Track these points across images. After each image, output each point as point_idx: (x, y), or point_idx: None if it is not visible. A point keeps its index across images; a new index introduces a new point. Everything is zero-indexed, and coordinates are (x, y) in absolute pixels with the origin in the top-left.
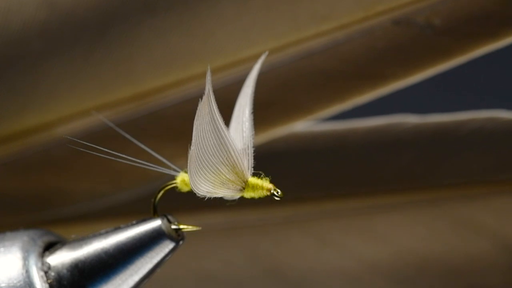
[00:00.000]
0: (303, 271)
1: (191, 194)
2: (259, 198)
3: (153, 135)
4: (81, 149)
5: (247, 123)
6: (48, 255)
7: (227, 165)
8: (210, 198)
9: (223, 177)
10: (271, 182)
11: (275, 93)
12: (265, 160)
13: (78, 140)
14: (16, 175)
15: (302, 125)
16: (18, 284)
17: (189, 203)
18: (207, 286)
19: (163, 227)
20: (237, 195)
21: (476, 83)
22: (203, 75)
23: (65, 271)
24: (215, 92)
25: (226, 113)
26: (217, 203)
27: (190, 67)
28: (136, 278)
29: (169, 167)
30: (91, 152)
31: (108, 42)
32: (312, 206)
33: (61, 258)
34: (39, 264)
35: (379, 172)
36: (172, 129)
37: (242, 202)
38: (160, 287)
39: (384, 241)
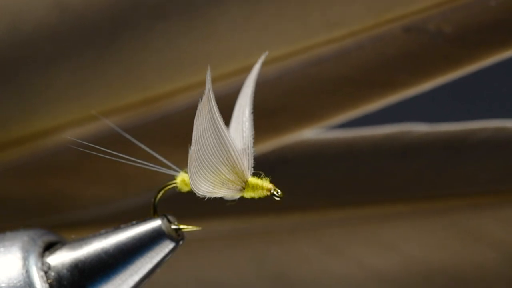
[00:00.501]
0: (309, 279)
1: (197, 201)
2: (267, 205)
3: (162, 140)
4: (85, 150)
5: (247, 123)
6: (48, 255)
7: (227, 165)
8: (216, 204)
9: (223, 177)
10: (271, 182)
11: (285, 99)
12: (273, 167)
13: (81, 141)
14: (24, 180)
15: (311, 133)
16: (18, 284)
17: (197, 210)
18: None
19: (163, 227)
20: (237, 195)
21: (486, 92)
22: (214, 80)
23: (65, 271)
24: (226, 97)
25: (226, 113)
26: (224, 211)
27: (200, 72)
28: (136, 278)
29: (169, 167)
30: (94, 153)
31: (118, 47)
32: (319, 214)
33: (61, 258)
34: (39, 264)
35: (387, 180)
36: (182, 134)
37: (249, 210)
38: None
39: (390, 250)
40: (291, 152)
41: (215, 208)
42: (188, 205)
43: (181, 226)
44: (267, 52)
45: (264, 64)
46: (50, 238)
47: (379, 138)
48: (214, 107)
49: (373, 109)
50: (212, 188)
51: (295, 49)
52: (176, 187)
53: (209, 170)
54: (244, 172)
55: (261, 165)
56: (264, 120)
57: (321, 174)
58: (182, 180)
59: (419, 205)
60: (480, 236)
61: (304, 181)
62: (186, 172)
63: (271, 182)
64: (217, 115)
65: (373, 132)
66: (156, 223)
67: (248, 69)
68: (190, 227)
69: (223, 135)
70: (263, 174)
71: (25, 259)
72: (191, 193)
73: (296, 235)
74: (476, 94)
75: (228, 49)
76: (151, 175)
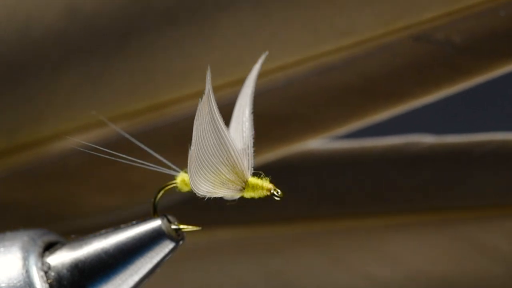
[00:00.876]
0: None
1: (202, 210)
2: (272, 215)
3: (170, 146)
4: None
5: (247, 123)
6: (48, 255)
7: (227, 165)
8: (221, 213)
9: (223, 177)
10: (271, 182)
11: (292, 108)
12: (279, 175)
13: (82, 142)
14: (30, 186)
15: (318, 142)
16: (18, 284)
17: (202, 219)
18: None
19: (163, 227)
20: (237, 195)
21: (494, 103)
22: (223, 87)
23: (65, 271)
24: (234, 104)
25: (226, 113)
26: (229, 220)
27: None
28: (136, 278)
29: (169, 167)
30: (97, 154)
31: (127, 53)
32: (324, 224)
33: (61, 258)
34: (39, 264)
35: (393, 191)
36: (189, 140)
37: (254, 219)
38: None
39: (395, 262)
40: (297, 161)
41: (220, 217)
42: (191, 215)
43: (181, 226)
44: (267, 52)
45: (272, 71)
46: (50, 238)
47: (385, 149)
48: (214, 107)
49: (380, 119)
50: (212, 188)
51: (303, 57)
52: (176, 187)
53: (209, 170)
54: (244, 172)
55: (267, 173)
56: (271, 128)
57: (326, 184)
58: (182, 180)
59: (424, 217)
60: (485, 249)
61: (309, 191)
62: (186, 172)
63: (271, 182)
64: (217, 115)
65: (379, 143)
66: (156, 223)
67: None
68: (190, 227)
69: (223, 135)
70: (263, 174)
71: (25, 259)
72: (194, 202)
73: (301, 245)
74: (484, 105)
75: (237, 55)
76: (158, 183)
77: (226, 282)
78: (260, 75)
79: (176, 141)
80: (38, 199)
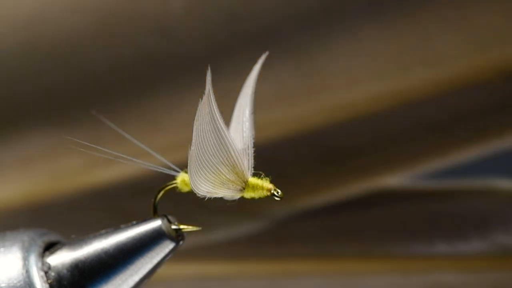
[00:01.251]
0: None
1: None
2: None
3: None
4: (82, 150)
5: (247, 123)
6: (48, 255)
7: (227, 165)
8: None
9: (223, 177)
10: (271, 182)
11: (373, 140)
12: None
13: (79, 141)
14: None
15: (395, 179)
16: (18, 284)
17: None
18: None
19: (163, 227)
20: (237, 195)
21: None
22: (314, 115)
23: (65, 271)
24: (326, 132)
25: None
26: None
27: (299, 104)
28: (136, 278)
29: (169, 167)
30: (91, 152)
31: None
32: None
33: (61, 258)
34: (39, 264)
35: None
36: None
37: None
38: None
39: None
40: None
41: None
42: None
43: (181, 226)
44: (267, 52)
45: (357, 104)
46: (50, 238)
47: (462, 192)
48: (214, 107)
49: (461, 160)
50: (212, 188)
51: (388, 89)
52: (176, 187)
53: (209, 170)
54: (244, 172)
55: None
56: (350, 160)
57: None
58: (182, 180)
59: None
60: None
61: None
62: (186, 172)
63: (271, 182)
64: (217, 115)
65: (456, 185)
66: (156, 223)
67: (344, 106)
68: (190, 227)
69: (223, 135)
70: (263, 174)
71: (25, 259)
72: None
73: None
74: None
75: (326, 84)
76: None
77: None
78: (346, 105)
79: None
80: None
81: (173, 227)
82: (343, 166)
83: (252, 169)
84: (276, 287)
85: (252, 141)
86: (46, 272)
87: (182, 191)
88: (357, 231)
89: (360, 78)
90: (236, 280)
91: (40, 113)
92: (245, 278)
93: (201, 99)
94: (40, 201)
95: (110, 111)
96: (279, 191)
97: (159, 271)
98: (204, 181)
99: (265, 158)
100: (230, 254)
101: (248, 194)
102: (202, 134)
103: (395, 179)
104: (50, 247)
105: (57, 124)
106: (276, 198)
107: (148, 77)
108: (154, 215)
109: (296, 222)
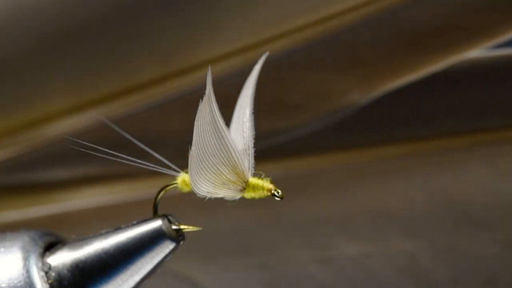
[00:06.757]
0: (482, 204)
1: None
2: (437, 128)
3: None
4: (84, 150)
5: (247, 124)
6: (49, 256)
7: (228, 166)
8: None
9: (224, 177)
10: (271, 182)
11: (452, 17)
12: (441, 88)
13: (78, 140)
14: (184, 113)
15: (479, 52)
16: (19, 284)
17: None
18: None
19: (164, 228)
20: (237, 196)
21: None
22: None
23: (65, 271)
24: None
25: (227, 113)
26: (394, 137)
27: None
28: (136, 278)
29: (169, 167)
30: (91, 152)
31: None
32: (492, 135)
33: (62, 258)
34: (40, 265)
35: None
36: None
37: (419, 135)
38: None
39: None
40: (459, 72)
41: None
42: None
43: (182, 227)
44: (267, 53)
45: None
46: (51, 238)
47: None
48: (215, 107)
49: None
50: (212, 189)
51: None
52: (177, 187)
53: (209, 171)
54: (244, 172)
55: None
56: (430, 38)
57: (490, 94)
58: (182, 180)
59: None
60: None
61: (474, 101)
62: (186, 172)
63: (271, 182)
64: (217, 115)
65: None
66: (156, 224)
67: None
68: (190, 227)
69: (224, 135)
70: (263, 174)
71: (26, 259)
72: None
73: (468, 158)
74: None
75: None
76: (317, 104)
77: (391, 200)
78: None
79: None
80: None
81: (174, 227)
82: (422, 45)
83: (253, 169)
84: (366, 174)
85: (253, 141)
86: (46, 272)
87: (183, 191)
88: (444, 110)
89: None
90: (325, 173)
91: (107, 30)
92: (334, 169)
93: (201, 99)
94: (114, 118)
95: (176, 16)
96: (279, 191)
97: None
98: (205, 181)
99: (343, 43)
100: (317, 146)
101: (248, 194)
102: (202, 134)
103: (478, 52)
104: (50, 247)
105: (125, 41)
106: (277, 198)
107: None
108: (154, 215)
109: (379, 107)
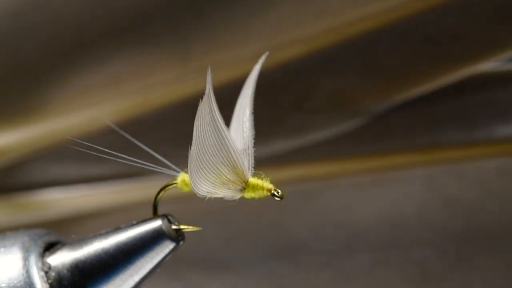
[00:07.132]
0: (495, 213)
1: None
2: None
3: None
4: (82, 150)
5: (247, 124)
6: (49, 255)
7: (228, 165)
8: None
9: (224, 177)
10: (271, 182)
11: (468, 26)
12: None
13: (79, 140)
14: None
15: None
16: (19, 284)
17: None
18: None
19: (164, 228)
20: (237, 196)
21: None
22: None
23: (65, 271)
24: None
25: (227, 113)
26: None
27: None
28: (136, 278)
29: (169, 167)
30: (91, 152)
31: None
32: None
33: (62, 258)
34: (40, 264)
35: None
36: None
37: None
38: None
39: None
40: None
41: None
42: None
43: (182, 226)
44: (267, 53)
45: None
46: (51, 238)
47: None
48: (215, 107)
49: None
50: (212, 188)
51: None
52: (177, 187)
53: (209, 170)
54: (244, 172)
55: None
56: (445, 46)
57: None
58: (182, 180)
59: None
60: None
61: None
62: (186, 172)
63: (271, 182)
64: (217, 115)
65: None
66: (156, 224)
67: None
68: (190, 227)
69: (224, 135)
70: (263, 174)
71: (26, 259)
72: None
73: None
74: None
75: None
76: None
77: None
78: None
79: None
80: None
81: (173, 227)
82: (439, 53)
83: (253, 169)
84: (379, 182)
85: (253, 141)
86: (46, 272)
87: (182, 191)
88: (458, 118)
89: None
90: (339, 179)
91: (127, 32)
92: (348, 175)
93: (201, 99)
94: (131, 118)
95: (199, 21)
96: (279, 191)
97: None
98: (205, 181)
99: (362, 52)
100: (331, 153)
101: (248, 194)
102: (202, 134)
103: (490, 64)
104: (50, 247)
105: (145, 41)
106: (277, 199)
107: None
108: (154, 215)
109: (395, 114)
